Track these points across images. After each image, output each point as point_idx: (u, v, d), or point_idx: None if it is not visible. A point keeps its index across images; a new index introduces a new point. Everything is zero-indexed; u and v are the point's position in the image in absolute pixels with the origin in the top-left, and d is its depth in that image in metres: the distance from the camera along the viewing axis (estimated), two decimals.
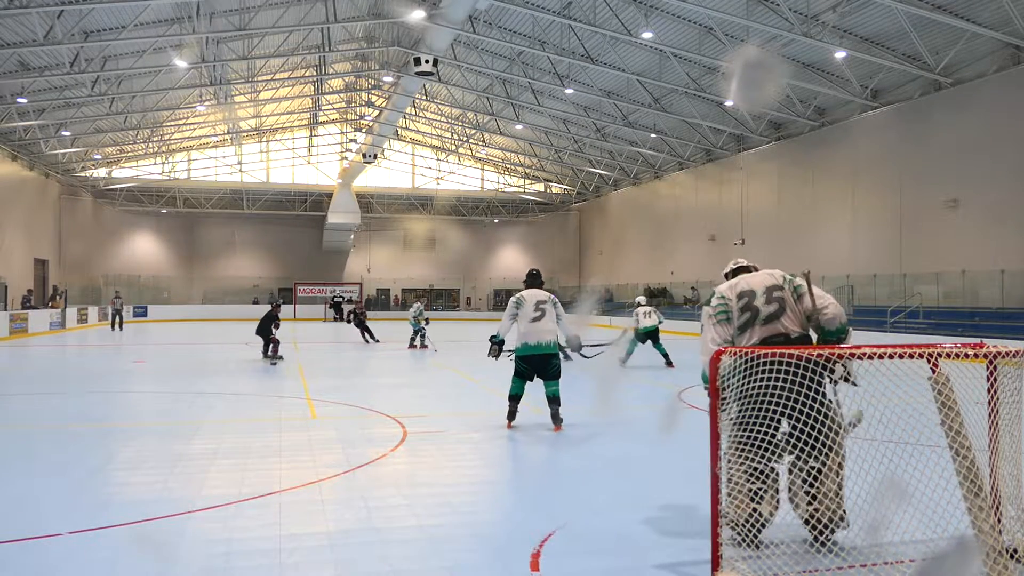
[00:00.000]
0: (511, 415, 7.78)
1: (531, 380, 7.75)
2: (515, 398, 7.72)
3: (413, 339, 19.36)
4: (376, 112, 34.73)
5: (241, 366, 14.54)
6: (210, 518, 4.72)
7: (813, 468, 4.05)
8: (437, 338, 20.29)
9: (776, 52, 19.24)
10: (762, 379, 3.82)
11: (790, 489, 4.15)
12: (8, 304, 26.60)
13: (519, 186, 43.91)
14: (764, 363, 3.79)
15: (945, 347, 3.82)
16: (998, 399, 3.71)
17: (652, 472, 6.07)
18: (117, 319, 28.68)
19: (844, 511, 4.04)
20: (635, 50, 22.77)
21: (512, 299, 7.76)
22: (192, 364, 15.52)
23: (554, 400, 7.61)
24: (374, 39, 27.75)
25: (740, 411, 4.05)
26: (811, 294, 4.19)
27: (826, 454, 4.00)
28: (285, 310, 21.63)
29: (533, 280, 7.82)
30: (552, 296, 7.75)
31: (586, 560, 3.99)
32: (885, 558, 3.83)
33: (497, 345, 7.84)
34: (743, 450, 4.02)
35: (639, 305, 14.87)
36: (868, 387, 4.06)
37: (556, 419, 7.63)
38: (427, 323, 19.57)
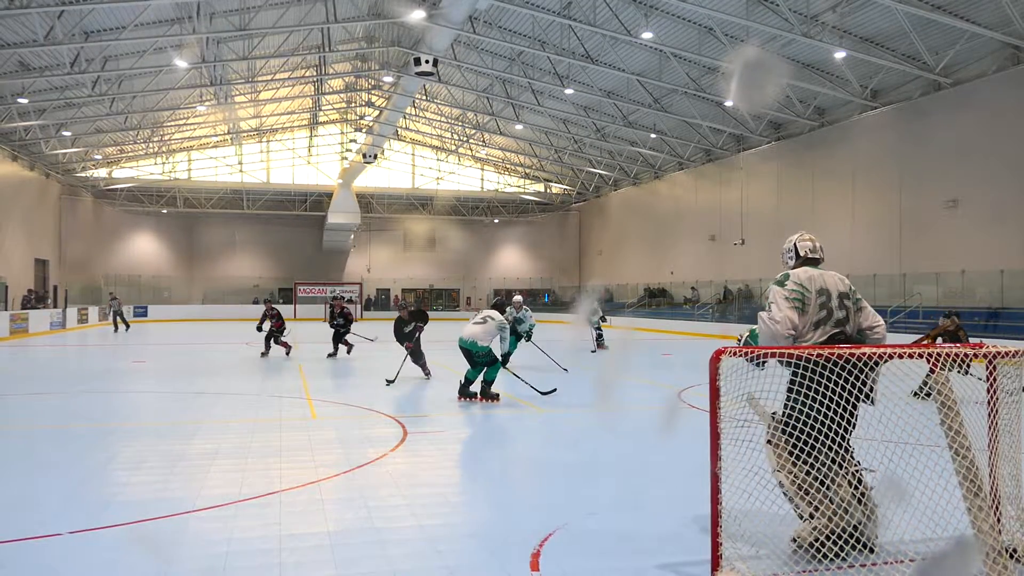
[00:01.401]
0: (462, 392, 9.68)
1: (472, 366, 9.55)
2: (468, 380, 9.66)
3: (599, 340, 18.08)
4: (376, 112, 34.74)
5: (241, 366, 14.51)
6: (210, 518, 4.72)
7: (858, 470, 4.10)
8: (437, 338, 20.24)
9: (776, 52, 19.25)
10: (829, 380, 3.84)
11: (836, 494, 4.05)
12: (8, 304, 26.61)
13: (519, 186, 43.92)
14: (831, 364, 3.81)
15: (945, 347, 3.82)
16: (998, 399, 3.71)
17: (652, 472, 6.07)
18: (118, 320, 28.21)
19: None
20: (635, 50, 22.77)
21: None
22: (192, 364, 15.52)
23: (469, 381, 9.65)
24: (374, 39, 27.75)
25: (798, 414, 3.97)
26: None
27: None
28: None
29: (499, 305, 10.04)
30: (503, 322, 9.65)
31: (586, 560, 3.99)
32: (885, 558, 3.83)
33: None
34: (806, 456, 3.91)
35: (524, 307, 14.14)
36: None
37: (475, 393, 9.63)
38: (604, 320, 18.71)
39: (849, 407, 3.86)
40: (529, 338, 14.02)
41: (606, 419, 8.66)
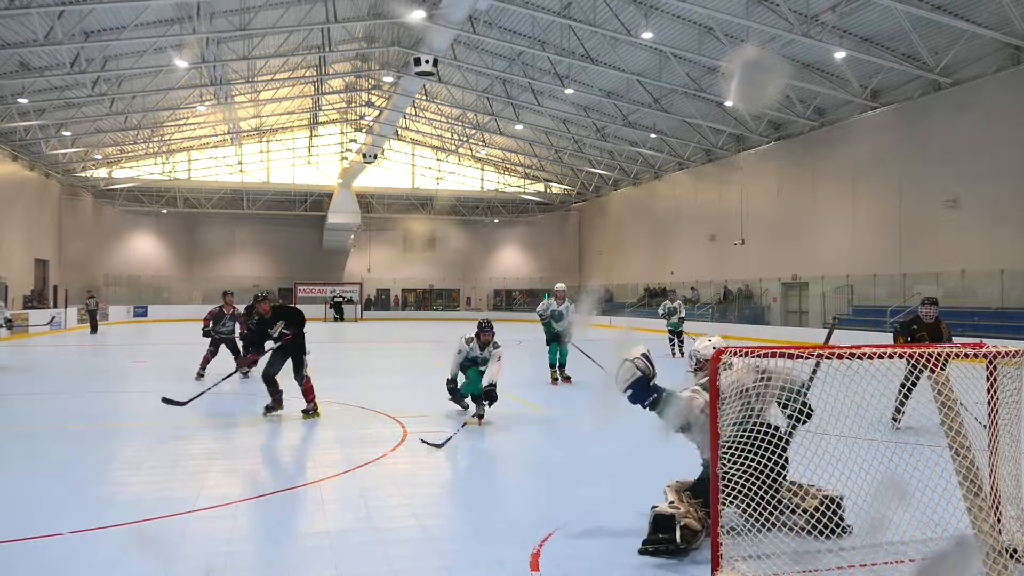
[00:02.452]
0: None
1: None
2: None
3: (673, 344, 16.67)
4: (376, 112, 34.74)
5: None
6: (210, 518, 4.72)
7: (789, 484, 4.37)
8: (434, 339, 20.21)
9: (776, 52, 19.23)
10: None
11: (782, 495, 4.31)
12: (8, 304, 26.60)
13: (519, 186, 43.92)
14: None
15: (945, 347, 3.82)
16: (998, 399, 3.72)
17: (652, 472, 6.06)
18: (95, 320, 26.54)
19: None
20: (635, 50, 22.77)
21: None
22: (192, 364, 15.48)
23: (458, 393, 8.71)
24: (374, 39, 27.75)
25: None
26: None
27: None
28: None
29: (481, 329, 8.57)
30: (460, 344, 8.59)
31: (586, 560, 4.00)
32: (885, 558, 3.83)
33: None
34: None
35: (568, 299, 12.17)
36: (868, 387, 4.06)
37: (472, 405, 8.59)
38: (681, 321, 16.69)
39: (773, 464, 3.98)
40: (568, 338, 11.82)
41: (607, 421, 8.64)
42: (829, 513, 4.11)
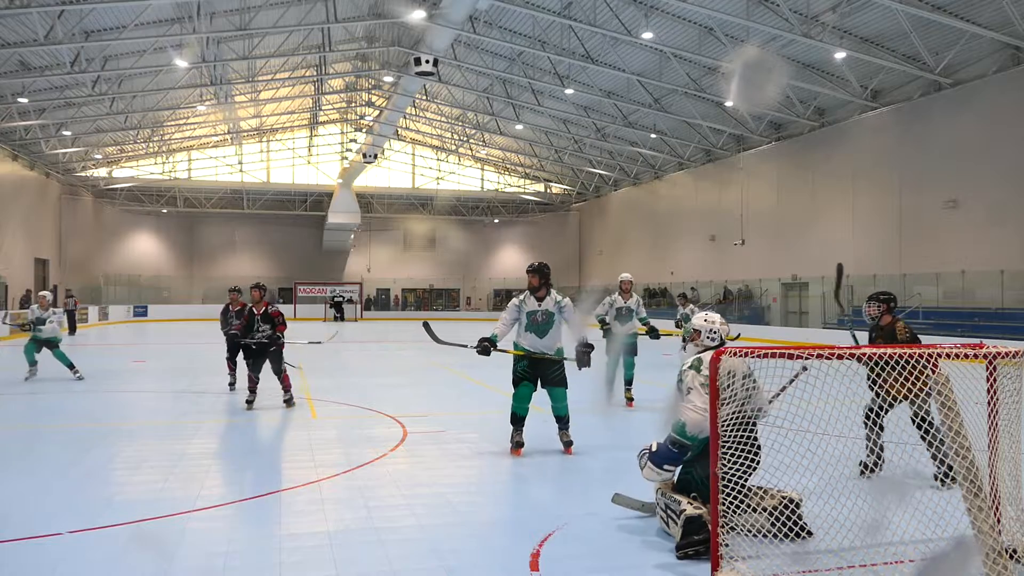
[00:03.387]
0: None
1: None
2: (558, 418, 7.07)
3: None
4: (376, 112, 34.75)
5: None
6: (210, 518, 4.72)
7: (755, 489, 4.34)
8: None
9: (776, 52, 19.25)
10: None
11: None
12: (8, 304, 26.58)
13: (519, 186, 43.93)
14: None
15: (945, 347, 3.82)
16: (998, 399, 3.72)
17: None
18: (74, 321, 25.53)
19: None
20: (635, 50, 22.78)
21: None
22: (192, 364, 15.51)
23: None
24: (374, 39, 27.76)
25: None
26: None
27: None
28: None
29: (534, 271, 6.67)
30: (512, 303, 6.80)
31: (586, 560, 4.00)
32: (885, 558, 3.83)
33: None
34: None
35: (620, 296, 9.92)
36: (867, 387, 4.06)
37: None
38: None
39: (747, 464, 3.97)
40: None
41: (606, 419, 8.65)
42: (788, 512, 4.07)
